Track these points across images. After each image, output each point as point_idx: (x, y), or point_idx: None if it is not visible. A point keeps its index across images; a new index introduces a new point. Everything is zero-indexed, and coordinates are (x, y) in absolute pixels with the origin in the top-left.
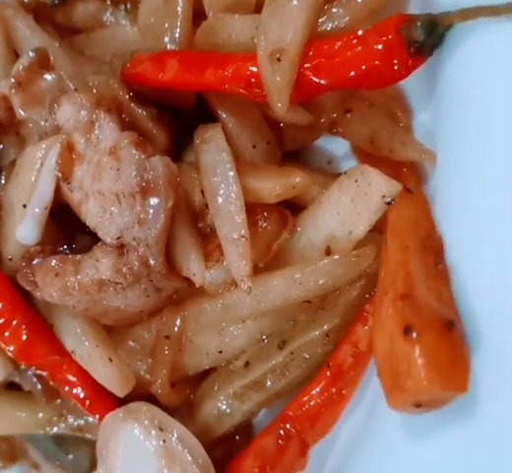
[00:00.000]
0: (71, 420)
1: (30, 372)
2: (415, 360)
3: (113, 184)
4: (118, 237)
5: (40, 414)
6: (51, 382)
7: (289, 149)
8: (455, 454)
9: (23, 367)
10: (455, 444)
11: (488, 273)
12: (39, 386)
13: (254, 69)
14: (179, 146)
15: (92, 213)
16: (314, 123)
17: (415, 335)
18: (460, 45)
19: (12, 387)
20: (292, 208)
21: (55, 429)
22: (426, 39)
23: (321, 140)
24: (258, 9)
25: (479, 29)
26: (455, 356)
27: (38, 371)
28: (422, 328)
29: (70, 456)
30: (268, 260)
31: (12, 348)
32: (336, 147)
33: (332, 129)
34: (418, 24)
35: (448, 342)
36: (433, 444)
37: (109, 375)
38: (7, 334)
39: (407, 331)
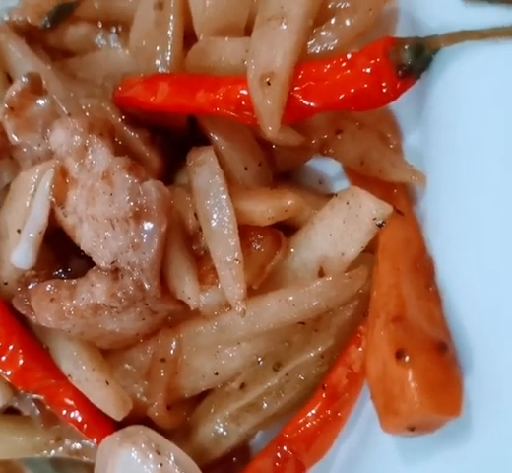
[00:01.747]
0: (68, 443)
1: (28, 397)
2: (407, 383)
3: (107, 209)
4: (113, 262)
5: (38, 438)
6: (48, 407)
7: (281, 170)
8: None
9: (21, 392)
10: (449, 468)
11: (479, 294)
12: (38, 411)
13: (244, 92)
14: (172, 167)
15: (86, 237)
16: (305, 144)
17: (407, 358)
18: (447, 68)
19: (10, 412)
20: (286, 228)
21: (53, 452)
22: (414, 63)
23: (312, 161)
24: (248, 32)
25: (465, 52)
26: (447, 379)
27: (36, 396)
28: (414, 351)
29: None
30: (261, 282)
31: (9, 373)
32: (327, 167)
33: (323, 150)
34: (406, 47)
35: (440, 365)
36: (428, 467)
37: (106, 399)
38: (4, 359)
39: (399, 355)
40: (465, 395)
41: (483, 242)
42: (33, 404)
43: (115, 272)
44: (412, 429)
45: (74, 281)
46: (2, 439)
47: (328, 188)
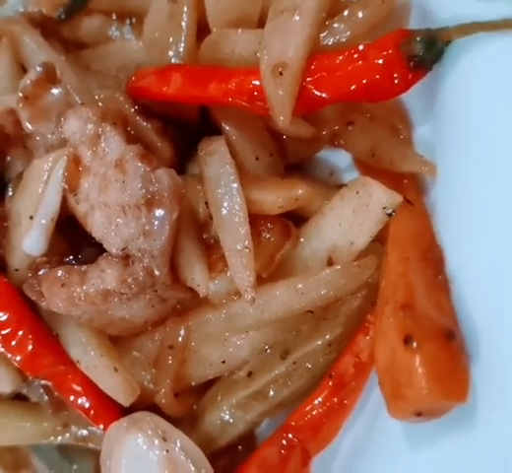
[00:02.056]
0: (75, 430)
1: (36, 384)
2: (415, 369)
3: (119, 196)
4: (123, 248)
5: (45, 424)
6: (56, 393)
7: (292, 161)
8: (455, 464)
9: (30, 378)
10: (455, 453)
11: (488, 284)
12: (46, 398)
13: (257, 83)
14: (183, 158)
15: (97, 224)
16: (316, 135)
17: (415, 345)
18: (459, 60)
19: (18, 398)
20: (295, 219)
21: (59, 438)
22: (426, 54)
23: (323, 152)
24: (261, 24)
25: (477, 43)
26: (455, 366)
27: (44, 382)
28: (422, 338)
29: (74, 466)
30: (271, 271)
31: (18, 358)
32: (338, 159)
33: (334, 141)
34: (418, 39)
35: (448, 352)
36: (434, 454)
37: (115, 385)
38: (13, 344)
39: (407, 341)
40: (471, 382)
41: (493, 233)
42: (42, 390)
43: (126, 259)
44: (419, 414)
45: (85, 267)
46: (10, 424)
47: (338, 179)
